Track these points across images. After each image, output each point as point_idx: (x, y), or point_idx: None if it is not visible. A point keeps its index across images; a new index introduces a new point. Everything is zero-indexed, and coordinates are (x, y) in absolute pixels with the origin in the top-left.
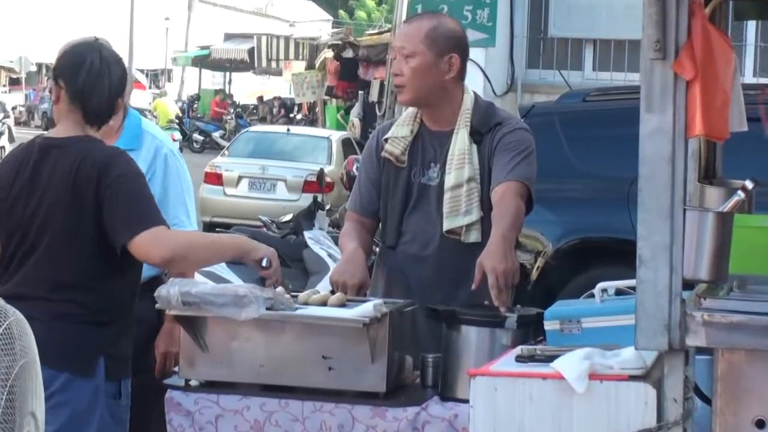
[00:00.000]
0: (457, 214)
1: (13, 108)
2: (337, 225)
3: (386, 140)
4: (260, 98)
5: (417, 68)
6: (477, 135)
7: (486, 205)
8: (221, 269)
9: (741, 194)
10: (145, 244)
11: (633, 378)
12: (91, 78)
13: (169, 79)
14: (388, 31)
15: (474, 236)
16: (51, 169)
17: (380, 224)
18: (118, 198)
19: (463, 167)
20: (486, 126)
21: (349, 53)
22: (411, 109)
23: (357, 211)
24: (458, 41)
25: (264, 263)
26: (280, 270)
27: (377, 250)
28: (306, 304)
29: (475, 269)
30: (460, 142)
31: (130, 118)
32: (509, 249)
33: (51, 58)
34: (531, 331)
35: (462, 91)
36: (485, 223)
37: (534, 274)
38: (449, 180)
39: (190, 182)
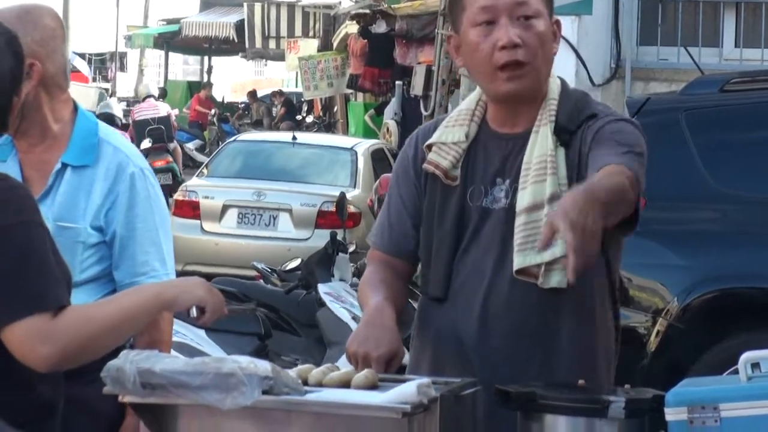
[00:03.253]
0: (534, 246)
1: None
2: None
3: (429, 147)
4: (252, 93)
5: (544, 36)
6: (565, 133)
7: None
8: (198, 338)
9: None
10: (19, 342)
11: None
12: None
13: (121, 67)
14: None
15: (557, 279)
16: None
17: (421, 267)
18: None
19: (543, 180)
20: (576, 121)
21: (381, 27)
22: (467, 103)
23: (384, 249)
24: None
25: (194, 314)
26: (221, 303)
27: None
28: (320, 385)
29: (557, 327)
30: (541, 144)
31: (82, 122)
32: (593, 206)
33: None
34: (646, 421)
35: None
36: None
37: (652, 343)
38: (523, 198)
39: (167, 213)
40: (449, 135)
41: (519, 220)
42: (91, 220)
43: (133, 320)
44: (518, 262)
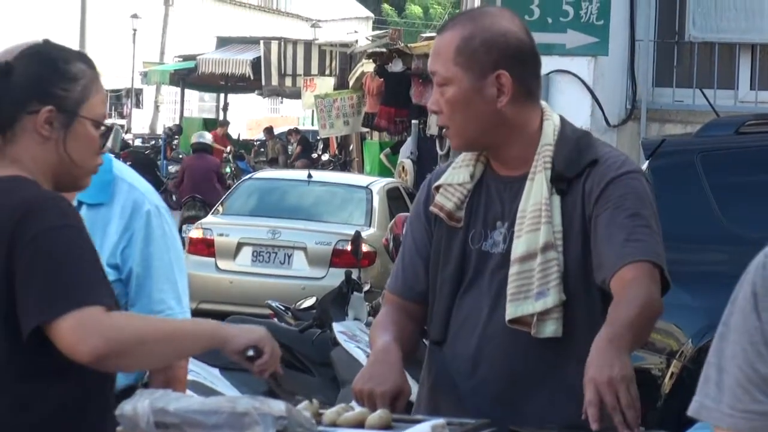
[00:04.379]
0: (527, 296)
1: None
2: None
3: (437, 189)
4: (269, 129)
5: (454, 100)
6: (561, 181)
7: (572, 284)
8: (211, 377)
9: None
10: (70, 332)
11: None
12: None
13: (137, 104)
14: None
15: (551, 329)
16: None
17: (428, 308)
18: (38, 262)
19: (537, 229)
20: (575, 167)
21: (397, 66)
22: None
23: (397, 292)
24: (506, 49)
25: (250, 353)
26: (278, 352)
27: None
28: (334, 425)
29: (553, 377)
30: (536, 192)
31: None
32: (619, 353)
33: None
34: None
35: (539, 117)
36: (570, 311)
37: (666, 384)
38: (518, 247)
39: (181, 251)
40: (455, 176)
41: (512, 270)
42: (107, 257)
43: (186, 342)
44: (510, 312)
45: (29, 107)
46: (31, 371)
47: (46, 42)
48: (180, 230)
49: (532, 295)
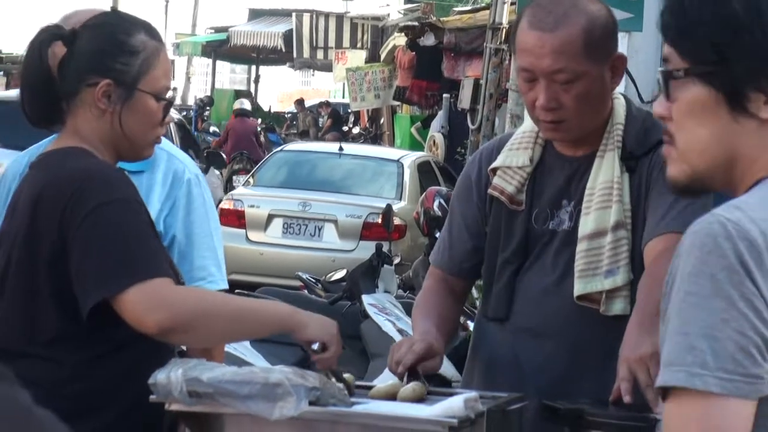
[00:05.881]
0: (596, 273)
1: None
2: (410, 287)
3: (494, 171)
4: (300, 102)
5: (586, 94)
6: (631, 160)
7: (639, 262)
8: (241, 347)
9: None
10: (135, 304)
11: None
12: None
13: None
14: (486, 8)
15: (619, 307)
16: (21, 200)
17: (483, 289)
18: (95, 238)
19: (608, 207)
20: (643, 146)
21: (429, 40)
22: (530, 125)
23: (444, 268)
24: (614, 30)
25: (315, 347)
26: (340, 351)
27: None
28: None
29: (616, 355)
30: (606, 169)
31: None
32: (650, 333)
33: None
34: None
35: (610, 97)
36: (635, 290)
37: None
38: (586, 224)
39: (218, 221)
40: (513, 159)
41: (581, 246)
42: None
43: (254, 323)
44: (579, 288)
45: (89, 80)
46: (90, 344)
47: (113, 11)
48: (230, 181)
49: (601, 273)
